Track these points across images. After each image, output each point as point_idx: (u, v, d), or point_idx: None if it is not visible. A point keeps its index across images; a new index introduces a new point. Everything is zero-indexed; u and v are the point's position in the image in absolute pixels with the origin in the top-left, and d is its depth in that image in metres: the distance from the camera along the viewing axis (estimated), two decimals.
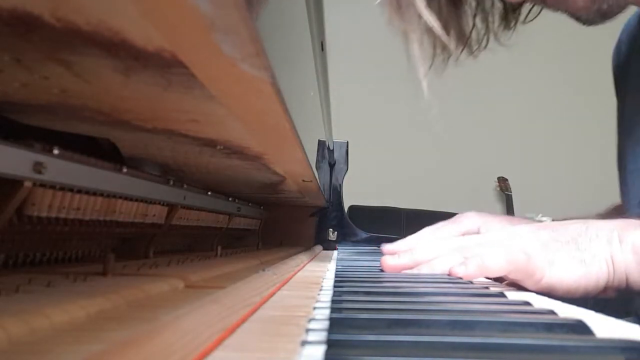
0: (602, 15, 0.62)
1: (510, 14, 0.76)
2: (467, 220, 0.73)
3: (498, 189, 2.48)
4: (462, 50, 0.74)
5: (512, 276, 0.51)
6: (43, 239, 0.44)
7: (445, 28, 0.70)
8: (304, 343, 0.24)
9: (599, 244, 0.50)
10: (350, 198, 1.45)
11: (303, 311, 0.32)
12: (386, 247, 0.68)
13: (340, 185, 1.26)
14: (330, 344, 0.24)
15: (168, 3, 0.19)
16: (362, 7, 2.44)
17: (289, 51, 0.36)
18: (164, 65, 0.26)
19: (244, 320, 0.29)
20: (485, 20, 0.75)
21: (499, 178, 2.47)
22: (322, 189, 1.03)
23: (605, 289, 0.50)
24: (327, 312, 0.31)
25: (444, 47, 0.72)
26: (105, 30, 0.22)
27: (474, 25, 0.74)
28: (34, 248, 0.43)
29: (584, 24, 0.65)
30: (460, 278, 0.52)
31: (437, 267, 0.57)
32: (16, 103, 0.34)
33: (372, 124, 2.42)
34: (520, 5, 0.72)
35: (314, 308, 0.33)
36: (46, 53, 0.25)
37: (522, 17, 0.75)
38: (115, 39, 0.23)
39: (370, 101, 2.45)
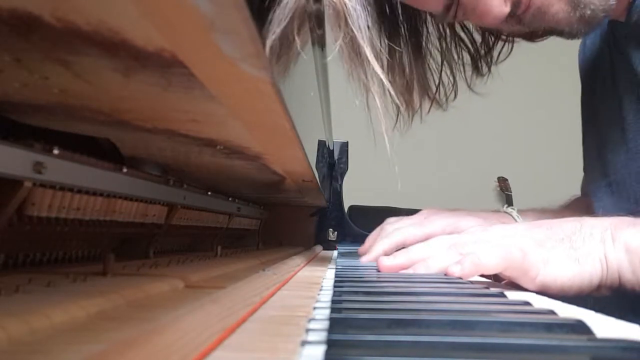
0: (586, 23, 0.60)
1: (481, 60, 0.76)
2: (431, 224, 0.76)
3: (498, 189, 2.48)
4: (430, 105, 0.76)
5: (508, 273, 0.51)
6: (43, 239, 0.44)
7: (409, 85, 0.71)
8: (304, 343, 0.24)
9: (592, 243, 0.51)
10: (350, 198, 1.45)
11: (303, 311, 0.32)
12: (360, 249, 0.72)
13: (340, 185, 1.26)
14: (330, 344, 0.24)
15: (168, 3, 0.19)
16: None
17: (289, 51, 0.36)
18: (164, 65, 0.26)
19: (244, 320, 0.29)
20: (452, 72, 0.76)
21: (499, 178, 2.47)
22: (322, 189, 1.03)
23: (599, 287, 0.50)
24: (327, 312, 0.31)
25: (408, 104, 0.73)
26: (105, 30, 0.22)
27: (440, 80, 0.75)
28: (34, 248, 0.43)
29: (569, 38, 0.63)
30: (459, 278, 0.52)
31: (433, 265, 0.57)
32: (16, 103, 0.34)
33: (372, 124, 2.41)
34: (492, 46, 0.72)
35: (314, 308, 0.33)
36: (46, 53, 0.25)
37: (494, 60, 0.75)
38: (115, 39, 0.23)
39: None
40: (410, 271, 0.58)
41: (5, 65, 0.27)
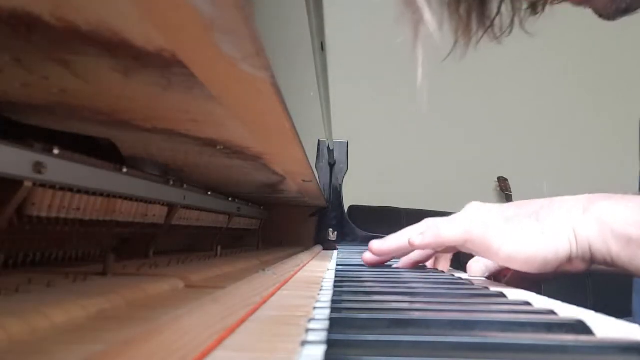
0: (622, 12, 0.63)
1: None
2: None
3: (498, 189, 2.48)
4: (483, 35, 0.72)
5: (470, 246, 0.53)
6: (43, 239, 0.44)
7: (468, 12, 0.70)
8: (304, 343, 0.24)
9: (560, 215, 0.50)
10: (350, 198, 1.45)
11: (303, 311, 0.32)
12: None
13: (340, 185, 1.26)
14: (330, 344, 0.24)
15: (168, 3, 0.19)
16: (362, 7, 2.44)
17: (289, 51, 0.36)
18: (164, 65, 0.26)
19: (244, 320, 0.29)
20: (512, 3, 0.74)
21: (499, 178, 2.47)
22: (322, 189, 1.03)
23: (570, 260, 0.49)
24: (327, 312, 0.31)
25: (465, 32, 0.71)
26: (105, 30, 0.22)
27: (499, 9, 0.72)
28: (34, 248, 0.43)
29: (604, 19, 0.65)
30: (420, 246, 0.56)
31: (399, 236, 0.60)
32: (16, 103, 0.34)
33: (372, 124, 2.41)
34: None
35: (314, 308, 0.33)
36: (46, 53, 0.25)
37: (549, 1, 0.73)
38: (115, 39, 0.23)
39: (370, 101, 2.45)
40: (378, 242, 0.62)
41: (5, 65, 0.27)
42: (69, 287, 0.34)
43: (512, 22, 0.73)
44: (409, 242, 0.56)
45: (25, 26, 0.22)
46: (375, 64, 2.43)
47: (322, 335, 0.25)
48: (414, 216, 0.84)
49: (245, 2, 0.20)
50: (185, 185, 0.61)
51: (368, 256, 0.66)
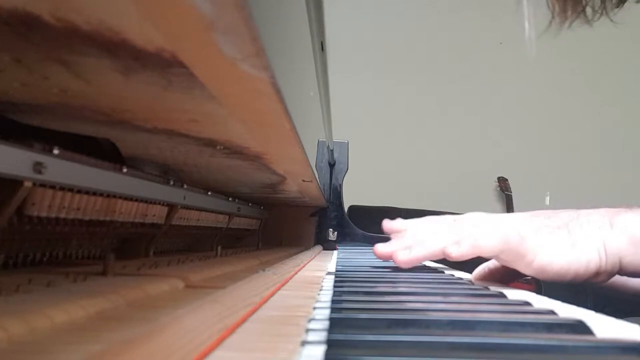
0: None
1: None
2: None
3: (498, 189, 2.48)
4: (578, 15, 0.73)
5: (504, 257, 0.52)
6: (43, 239, 0.44)
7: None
8: (304, 343, 0.24)
9: (590, 229, 0.51)
10: (350, 198, 1.45)
11: (303, 311, 0.32)
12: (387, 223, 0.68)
13: (340, 185, 1.26)
14: (330, 344, 0.24)
15: (168, 3, 0.19)
16: (362, 7, 2.44)
17: (289, 51, 0.36)
18: (164, 65, 0.26)
19: (244, 320, 0.29)
20: None
21: (499, 178, 2.47)
22: (322, 189, 1.03)
23: (597, 274, 0.50)
24: (327, 312, 0.31)
25: (562, 10, 0.71)
26: (105, 30, 0.22)
27: None
28: (34, 248, 0.43)
29: None
30: (455, 258, 0.53)
31: (430, 245, 0.57)
32: (16, 103, 0.34)
33: (372, 124, 2.42)
34: None
35: (314, 308, 0.33)
36: (46, 53, 0.25)
37: None
38: (115, 39, 0.23)
39: (370, 101, 2.45)
40: (406, 252, 0.58)
41: (5, 65, 0.27)
42: (69, 287, 0.34)
43: (603, 6, 0.73)
44: (445, 254, 0.54)
45: (25, 26, 0.22)
46: (376, 64, 2.43)
47: (322, 335, 0.25)
48: (414, 216, 0.83)
49: (245, 2, 0.20)
50: (185, 185, 0.61)
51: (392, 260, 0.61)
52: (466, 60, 2.39)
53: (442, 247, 0.55)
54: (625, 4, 0.72)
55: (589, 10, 0.72)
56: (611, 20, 0.73)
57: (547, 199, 2.38)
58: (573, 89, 2.51)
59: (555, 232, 0.52)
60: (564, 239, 0.51)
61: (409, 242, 0.60)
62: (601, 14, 0.73)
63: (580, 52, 2.42)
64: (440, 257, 0.57)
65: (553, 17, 0.71)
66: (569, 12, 0.71)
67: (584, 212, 0.53)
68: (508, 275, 0.59)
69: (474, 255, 0.54)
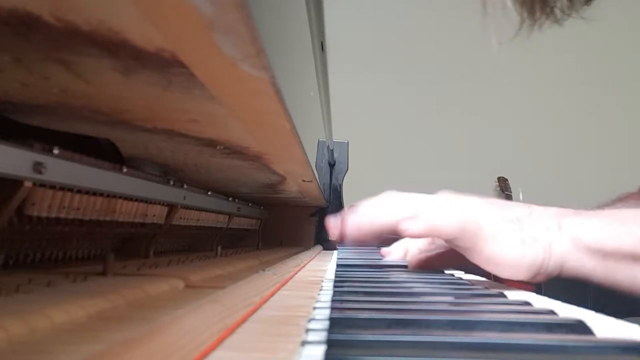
0: None
1: None
2: None
3: (498, 189, 2.48)
4: (548, 16, 0.72)
5: (459, 243, 0.51)
6: (43, 239, 0.44)
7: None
8: (304, 343, 0.24)
9: (539, 229, 0.51)
10: (350, 198, 1.45)
11: (303, 311, 0.32)
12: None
13: (340, 185, 1.26)
14: (330, 344, 0.24)
15: (168, 3, 0.19)
16: (362, 7, 2.44)
17: (289, 51, 0.36)
18: (164, 65, 0.26)
19: (244, 320, 0.29)
20: None
21: (499, 178, 2.47)
22: (322, 189, 1.03)
23: (537, 274, 0.50)
24: (327, 312, 0.31)
25: (530, 14, 0.70)
26: (105, 30, 0.22)
27: None
28: (34, 248, 0.43)
29: None
30: (409, 234, 0.52)
31: (383, 216, 0.53)
32: (16, 103, 0.34)
33: (372, 124, 2.42)
34: None
35: (314, 308, 0.33)
36: (46, 53, 0.25)
37: None
38: (115, 39, 0.23)
39: (370, 101, 2.45)
40: (355, 217, 0.54)
41: (5, 65, 0.27)
42: (69, 287, 0.34)
43: (571, 4, 0.73)
44: (401, 228, 0.52)
45: (25, 26, 0.22)
46: (376, 63, 2.43)
47: (322, 335, 0.25)
48: None
49: (245, 2, 0.20)
50: (185, 185, 0.61)
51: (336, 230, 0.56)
52: (466, 60, 2.39)
53: (397, 219, 0.53)
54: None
55: (557, 10, 0.72)
56: (582, 18, 0.73)
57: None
58: (573, 88, 2.51)
59: (508, 225, 0.51)
60: (516, 233, 0.51)
61: (363, 210, 0.55)
62: (570, 13, 0.73)
63: (581, 52, 2.42)
64: (393, 230, 0.54)
65: (522, 21, 0.71)
66: (538, 14, 0.71)
67: (536, 210, 0.53)
68: (445, 261, 0.59)
69: (430, 236, 0.54)
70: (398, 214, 0.53)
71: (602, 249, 0.49)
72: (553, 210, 0.53)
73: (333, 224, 0.57)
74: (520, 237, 0.51)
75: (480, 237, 0.51)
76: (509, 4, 0.67)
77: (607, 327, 0.30)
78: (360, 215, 0.54)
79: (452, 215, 0.52)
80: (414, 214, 0.53)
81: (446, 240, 0.54)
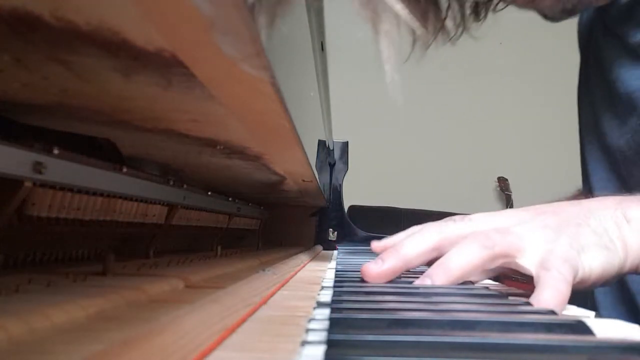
0: (567, 13, 0.64)
1: (481, 4, 0.75)
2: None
3: (498, 189, 2.48)
4: (435, 36, 0.73)
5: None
6: (43, 239, 0.44)
7: (424, 13, 0.69)
8: (304, 343, 0.24)
9: (610, 226, 0.45)
10: (350, 198, 1.45)
11: (303, 311, 0.32)
12: (375, 243, 0.55)
13: (340, 185, 1.26)
14: (330, 344, 0.24)
15: (168, 3, 0.19)
16: None
17: (289, 51, 0.36)
18: (164, 65, 0.26)
19: (244, 320, 0.29)
20: (461, 7, 0.75)
21: (499, 178, 2.47)
22: (322, 189, 1.03)
23: (618, 276, 0.45)
24: (327, 312, 0.31)
25: (422, 34, 0.71)
26: (105, 30, 0.22)
27: (448, 11, 0.73)
28: (34, 248, 0.43)
29: (549, 20, 0.67)
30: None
31: (455, 266, 0.45)
32: (16, 103, 0.34)
33: (372, 124, 2.42)
34: None
35: (314, 308, 0.33)
36: (46, 53, 0.25)
37: (492, 7, 0.75)
38: (115, 39, 0.23)
39: (370, 101, 2.45)
40: (426, 281, 0.46)
41: (5, 65, 0.27)
42: (69, 287, 0.34)
43: (460, 25, 0.74)
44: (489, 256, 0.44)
45: (25, 26, 0.22)
46: (376, 63, 2.43)
47: (322, 335, 0.25)
48: (414, 216, 0.83)
49: (245, 2, 0.20)
50: (185, 185, 0.61)
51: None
52: (466, 60, 2.39)
53: (474, 265, 0.44)
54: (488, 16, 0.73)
55: (450, 26, 0.73)
56: (473, 37, 0.75)
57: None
58: (573, 88, 2.51)
59: (582, 233, 0.44)
60: (594, 240, 0.44)
61: (404, 255, 0.48)
62: (462, 32, 0.74)
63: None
64: (477, 272, 0.46)
65: (415, 41, 0.72)
66: (430, 28, 0.72)
67: (589, 204, 0.47)
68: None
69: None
70: (470, 257, 0.45)
71: None
72: (608, 201, 0.47)
73: (372, 274, 0.47)
74: (601, 243, 0.44)
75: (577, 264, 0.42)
76: (403, 16, 0.65)
77: (607, 327, 0.30)
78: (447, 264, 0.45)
79: (531, 249, 0.43)
80: (486, 248, 0.45)
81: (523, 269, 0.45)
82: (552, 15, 0.65)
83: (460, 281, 0.46)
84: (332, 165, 1.26)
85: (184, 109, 0.35)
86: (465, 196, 2.32)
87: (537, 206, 0.50)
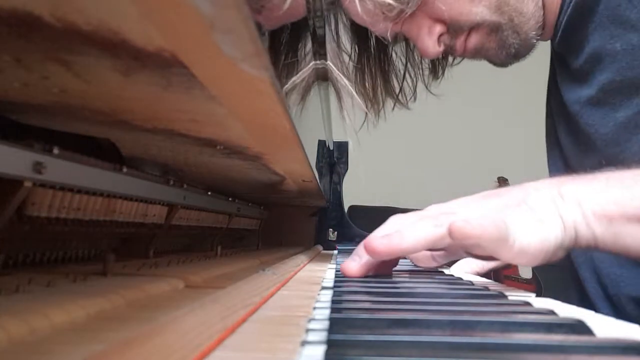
0: (513, 57, 0.68)
1: (438, 64, 0.82)
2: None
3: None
4: (394, 104, 0.83)
5: (492, 244, 0.46)
6: (43, 239, 0.44)
7: (374, 86, 0.78)
8: (304, 343, 0.24)
9: (546, 203, 0.48)
10: (350, 198, 1.45)
11: (303, 311, 0.32)
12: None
13: (340, 185, 1.26)
14: (330, 344, 0.24)
15: (168, 3, 0.19)
16: None
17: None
18: (164, 65, 0.26)
19: (244, 320, 0.29)
20: (415, 72, 0.82)
21: (499, 178, 2.47)
22: (322, 189, 1.03)
23: (558, 251, 0.47)
24: (327, 312, 0.31)
25: (373, 103, 0.77)
26: (105, 30, 0.22)
27: (403, 81, 0.80)
28: (34, 248, 0.43)
29: (498, 66, 0.74)
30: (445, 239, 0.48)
31: (409, 235, 0.49)
32: (16, 103, 0.34)
33: (372, 124, 2.41)
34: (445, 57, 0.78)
35: (314, 308, 0.33)
36: (46, 53, 0.25)
37: (448, 64, 0.82)
38: (115, 39, 0.23)
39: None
40: (384, 241, 0.50)
41: (5, 65, 0.27)
42: (69, 287, 0.34)
43: (415, 89, 0.83)
44: (432, 236, 0.48)
45: (25, 26, 0.22)
46: None
47: (322, 335, 0.25)
48: None
49: (245, 2, 0.20)
50: (185, 185, 0.61)
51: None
52: (466, 59, 2.39)
53: (424, 235, 0.49)
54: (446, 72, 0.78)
55: (407, 90, 0.78)
56: (434, 95, 0.81)
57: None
58: None
59: (519, 210, 0.48)
60: (530, 216, 0.47)
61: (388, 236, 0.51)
62: (414, 97, 0.81)
63: None
64: (429, 245, 0.50)
65: (367, 107, 0.78)
66: (380, 99, 0.79)
67: (531, 186, 0.50)
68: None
69: (465, 239, 0.47)
70: (422, 230, 0.50)
71: (607, 214, 0.46)
72: (547, 181, 0.50)
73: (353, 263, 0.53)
74: (536, 218, 0.47)
75: (508, 232, 0.46)
76: (354, 94, 0.73)
77: (607, 327, 0.30)
78: (386, 239, 0.50)
79: (484, 218, 0.47)
80: (439, 222, 0.49)
81: (470, 245, 0.49)
82: (500, 62, 0.70)
83: (410, 253, 0.55)
84: (332, 165, 1.26)
85: (183, 109, 0.35)
86: (465, 196, 2.32)
87: (486, 192, 0.55)
